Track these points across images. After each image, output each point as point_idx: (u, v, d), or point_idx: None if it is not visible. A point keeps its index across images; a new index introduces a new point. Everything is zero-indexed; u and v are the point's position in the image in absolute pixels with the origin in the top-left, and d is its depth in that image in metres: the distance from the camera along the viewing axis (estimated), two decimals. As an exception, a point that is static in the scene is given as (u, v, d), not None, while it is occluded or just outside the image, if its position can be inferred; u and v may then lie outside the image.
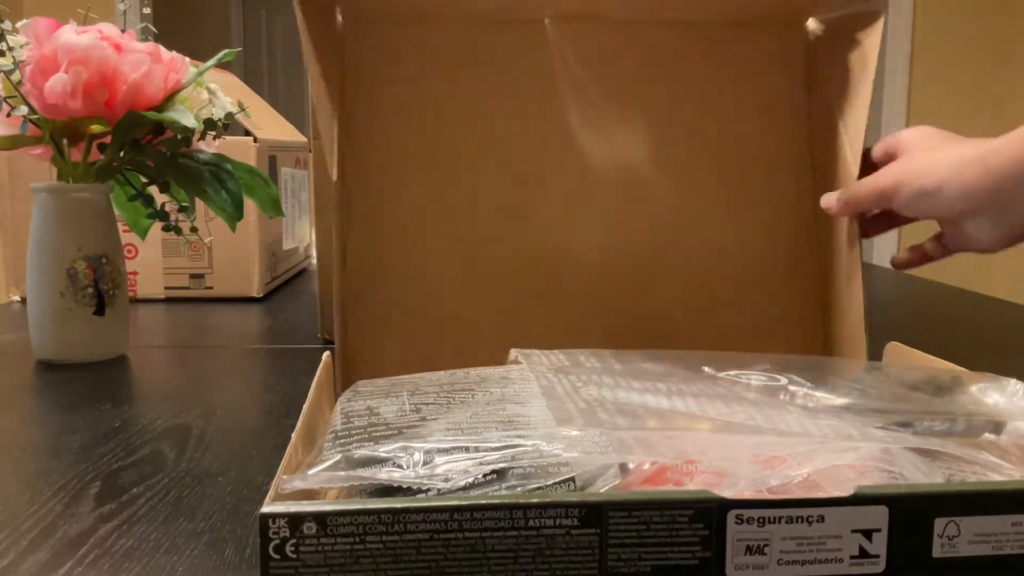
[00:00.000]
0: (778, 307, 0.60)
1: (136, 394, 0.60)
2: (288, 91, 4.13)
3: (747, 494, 0.30)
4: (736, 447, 0.33)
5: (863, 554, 0.29)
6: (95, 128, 0.65)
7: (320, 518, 0.28)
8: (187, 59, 0.68)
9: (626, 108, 0.58)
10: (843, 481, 0.31)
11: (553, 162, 0.57)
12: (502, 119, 0.57)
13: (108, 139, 0.67)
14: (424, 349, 0.56)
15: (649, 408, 0.37)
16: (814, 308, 0.60)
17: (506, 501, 0.28)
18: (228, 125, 0.71)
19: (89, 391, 0.60)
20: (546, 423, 0.35)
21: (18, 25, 0.63)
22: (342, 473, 0.32)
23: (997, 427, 0.39)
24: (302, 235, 1.20)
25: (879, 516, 0.29)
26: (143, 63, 0.64)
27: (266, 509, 0.28)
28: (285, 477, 0.31)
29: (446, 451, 0.32)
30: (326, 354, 0.51)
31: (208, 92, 0.71)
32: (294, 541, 0.28)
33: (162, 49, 0.66)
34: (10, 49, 0.63)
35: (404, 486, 0.30)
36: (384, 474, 0.31)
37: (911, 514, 0.30)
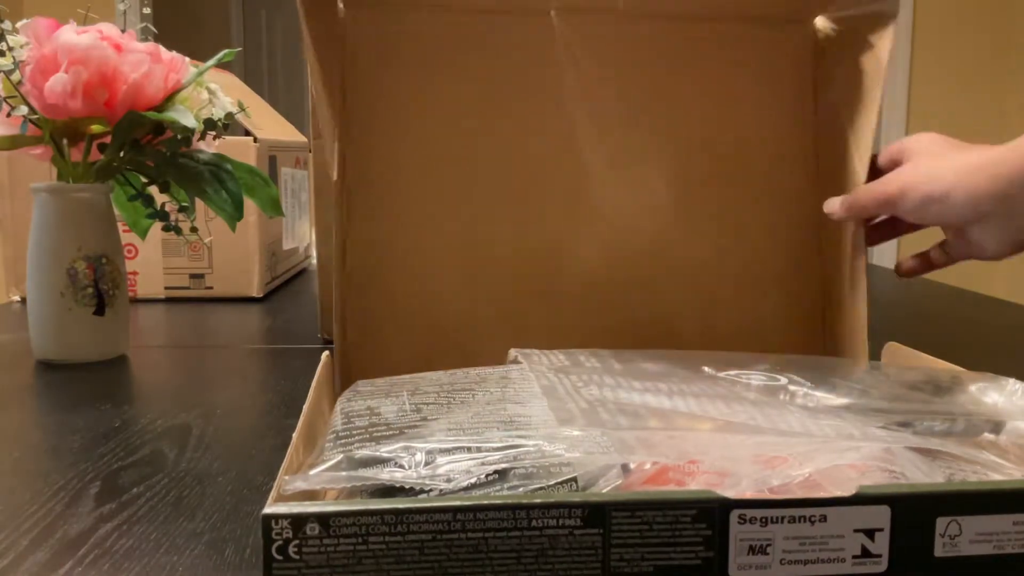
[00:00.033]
0: (779, 307, 0.59)
1: (136, 394, 0.60)
2: (288, 91, 4.13)
3: (749, 494, 0.30)
4: (737, 447, 0.33)
5: (865, 553, 0.30)
6: (95, 128, 0.65)
7: (323, 519, 0.28)
8: (187, 59, 0.68)
9: (630, 104, 0.57)
10: (845, 481, 0.31)
11: (555, 159, 0.57)
12: (505, 115, 0.56)
13: (108, 139, 0.67)
14: (424, 349, 0.56)
15: (650, 408, 0.37)
16: (815, 308, 0.60)
17: (509, 501, 0.28)
18: (228, 125, 0.71)
19: (89, 391, 0.60)
20: (547, 423, 0.35)
21: (18, 25, 0.63)
22: (344, 473, 0.31)
23: (996, 427, 0.39)
24: (302, 235, 1.20)
25: (881, 516, 0.29)
26: (143, 63, 0.64)
27: (269, 510, 0.28)
28: (287, 478, 0.31)
29: (448, 451, 0.32)
30: (326, 354, 0.51)
31: (208, 92, 0.71)
32: (297, 542, 0.28)
33: (162, 49, 0.66)
34: (10, 49, 0.63)
35: (406, 486, 0.30)
36: (386, 474, 0.31)
37: (913, 514, 0.30)
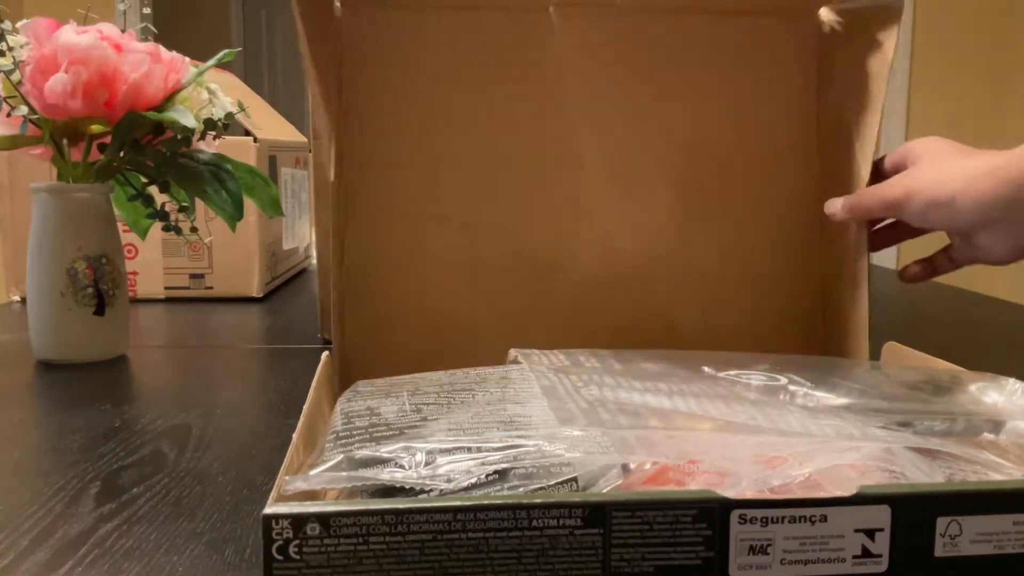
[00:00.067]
0: (779, 307, 0.59)
1: (136, 394, 0.60)
2: (288, 91, 4.13)
3: (749, 494, 0.30)
4: (738, 447, 0.33)
5: (866, 553, 0.30)
6: (95, 128, 0.65)
7: (324, 519, 0.28)
8: (187, 59, 0.68)
9: (629, 102, 0.57)
10: (845, 481, 0.31)
11: (554, 158, 0.57)
12: (503, 114, 0.56)
13: (108, 139, 0.67)
14: (424, 349, 0.56)
15: (651, 408, 0.37)
16: (816, 309, 0.60)
17: (510, 501, 0.28)
18: (228, 125, 0.71)
19: (89, 391, 0.60)
20: (548, 423, 0.35)
21: (18, 25, 0.63)
22: (344, 474, 0.32)
23: (996, 427, 0.39)
24: (302, 235, 1.20)
25: (881, 515, 0.29)
26: (143, 63, 0.64)
27: (269, 510, 0.28)
28: (287, 478, 0.31)
29: (448, 451, 0.32)
30: (325, 354, 0.51)
31: (208, 92, 0.71)
32: (297, 542, 0.28)
33: (162, 49, 0.66)
34: (10, 49, 0.63)
35: (407, 487, 0.30)
36: (386, 474, 0.31)
37: (913, 513, 0.30)
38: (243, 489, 0.43)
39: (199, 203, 0.87)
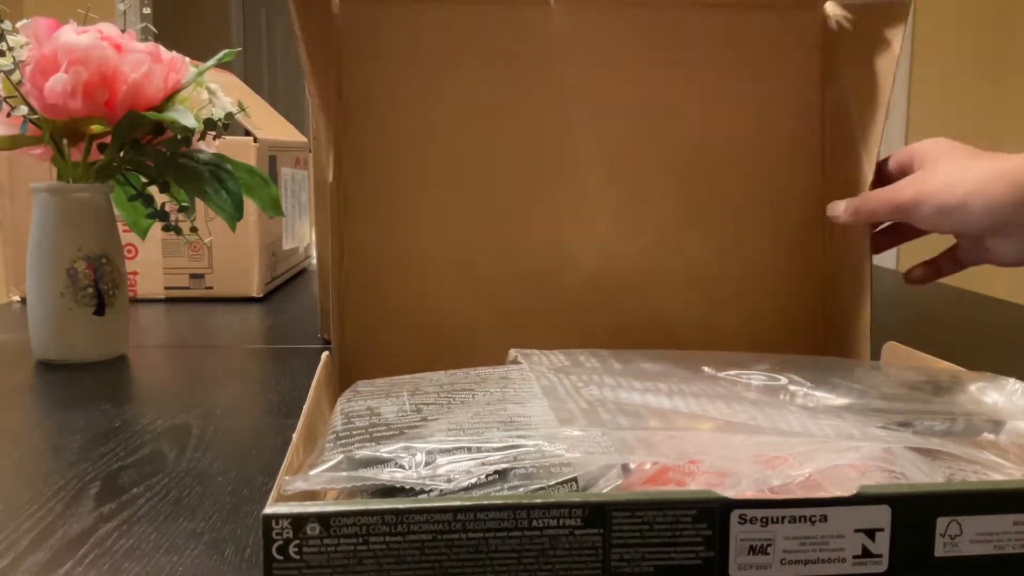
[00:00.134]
0: (780, 307, 0.59)
1: (136, 394, 0.60)
2: (288, 91, 4.13)
3: (749, 494, 0.30)
4: (738, 447, 0.33)
5: (866, 553, 0.30)
6: (95, 128, 0.65)
7: (324, 519, 0.28)
8: (187, 59, 0.68)
9: (630, 99, 0.57)
10: (845, 481, 0.31)
11: (554, 157, 0.57)
12: (503, 112, 0.56)
13: (108, 139, 0.67)
14: (424, 349, 0.56)
15: (651, 408, 0.37)
16: (817, 309, 0.60)
17: (510, 501, 0.28)
18: (228, 125, 0.71)
19: (89, 391, 0.60)
20: (548, 423, 0.35)
21: (18, 25, 0.63)
22: (344, 474, 0.32)
23: (996, 427, 0.39)
24: (302, 235, 1.20)
25: (882, 515, 0.29)
26: (143, 63, 0.64)
27: (269, 510, 0.28)
28: (287, 478, 0.31)
29: (448, 451, 0.32)
30: (325, 354, 0.51)
31: (208, 92, 0.71)
32: (297, 542, 0.28)
33: (162, 49, 0.66)
34: (10, 49, 0.63)
35: (407, 487, 0.30)
36: (386, 475, 0.31)
37: (913, 513, 0.30)
38: (243, 489, 0.43)
39: (199, 203, 0.87)
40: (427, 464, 0.31)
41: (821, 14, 0.58)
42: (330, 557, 0.28)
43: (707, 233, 0.58)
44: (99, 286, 0.67)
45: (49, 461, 0.46)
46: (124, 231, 0.80)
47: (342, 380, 0.53)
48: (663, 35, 0.57)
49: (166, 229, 0.70)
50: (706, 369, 0.45)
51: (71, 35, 0.62)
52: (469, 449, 0.32)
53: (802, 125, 0.59)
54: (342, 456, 0.32)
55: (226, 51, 0.69)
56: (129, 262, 0.97)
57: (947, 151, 0.51)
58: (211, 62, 0.69)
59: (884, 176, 0.55)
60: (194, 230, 0.72)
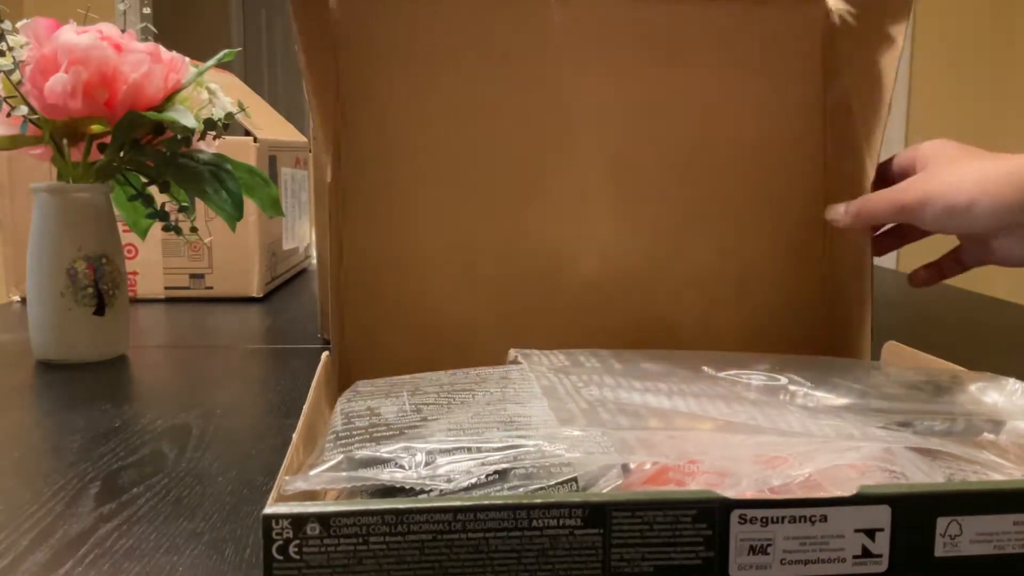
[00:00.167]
0: (780, 307, 0.59)
1: (136, 394, 0.60)
2: (288, 91, 4.13)
3: (749, 494, 0.30)
4: (738, 447, 0.33)
5: (866, 553, 0.30)
6: (95, 128, 0.65)
7: (324, 519, 0.28)
8: (187, 59, 0.68)
9: (631, 98, 0.56)
10: (845, 481, 0.31)
11: (555, 155, 0.56)
12: (503, 110, 0.56)
13: (108, 139, 0.67)
14: (424, 349, 0.56)
15: (651, 408, 0.37)
16: (817, 309, 0.60)
17: (510, 502, 0.28)
18: (228, 125, 0.71)
19: (89, 391, 0.60)
20: (548, 423, 0.35)
21: (18, 25, 0.63)
22: (344, 474, 0.32)
23: (996, 426, 0.39)
24: (302, 235, 1.20)
25: (882, 515, 0.29)
26: (143, 63, 0.64)
27: (269, 510, 0.28)
28: (287, 478, 0.31)
29: (448, 451, 0.32)
30: (325, 354, 0.51)
31: (208, 92, 0.71)
32: (297, 542, 0.28)
33: (162, 49, 0.66)
34: (10, 49, 0.63)
35: (407, 487, 0.30)
36: (386, 475, 0.31)
37: (913, 513, 0.30)
38: (243, 489, 0.43)
39: (199, 203, 0.87)
40: (427, 464, 0.31)
41: (823, 9, 0.57)
42: (330, 557, 0.28)
43: (707, 233, 0.58)
44: (99, 286, 0.67)
45: (49, 461, 0.46)
46: (124, 231, 0.80)
47: (342, 380, 0.53)
48: (663, 31, 0.56)
49: (166, 229, 0.70)
50: (706, 369, 0.45)
51: (71, 35, 0.62)
52: (469, 449, 0.32)
53: (803, 123, 0.58)
54: (342, 456, 0.32)
55: (226, 51, 0.69)
56: (129, 262, 0.97)
57: (951, 152, 0.51)
58: (211, 62, 0.69)
59: (886, 177, 0.54)
60: (194, 230, 0.72)
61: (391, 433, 0.35)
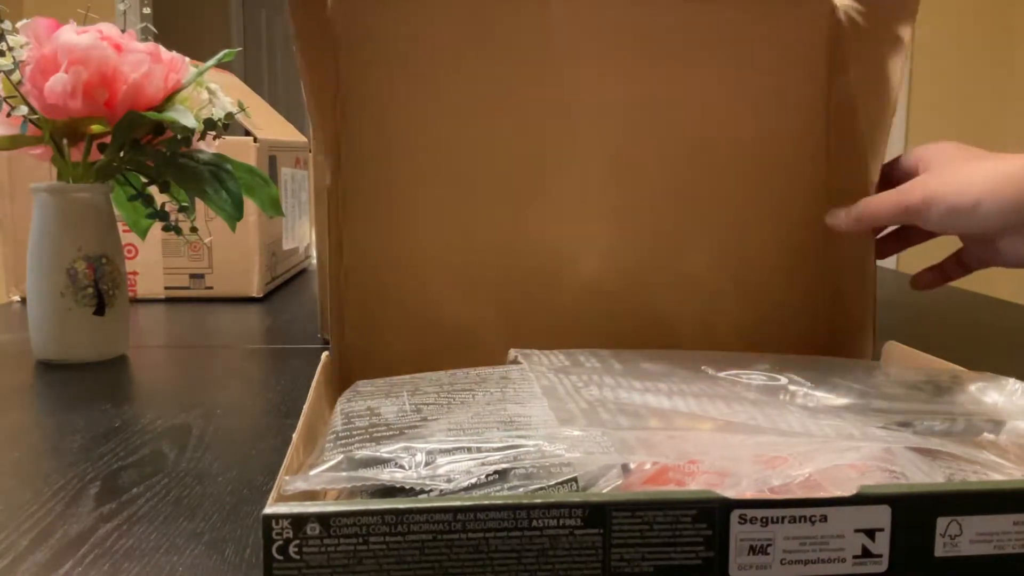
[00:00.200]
0: (781, 307, 0.59)
1: (136, 394, 0.60)
2: (288, 91, 4.13)
3: (749, 494, 0.30)
4: (738, 447, 0.33)
5: (866, 553, 0.30)
6: (95, 128, 0.65)
7: (324, 519, 0.28)
8: (187, 59, 0.68)
9: (632, 94, 0.56)
10: (845, 481, 0.31)
11: (555, 155, 0.56)
12: (502, 110, 0.56)
13: (108, 139, 0.67)
14: (424, 349, 0.56)
15: (651, 408, 0.37)
16: (818, 309, 0.59)
17: (510, 502, 0.28)
18: (228, 125, 0.71)
19: (89, 391, 0.60)
20: (548, 423, 0.35)
21: (18, 25, 0.63)
22: (344, 474, 0.32)
23: (996, 426, 0.39)
24: (302, 235, 1.20)
25: (882, 515, 0.29)
26: (143, 63, 0.64)
27: (269, 510, 0.28)
28: (287, 478, 0.31)
29: (448, 451, 0.32)
30: (325, 354, 0.51)
31: (208, 92, 0.71)
32: (297, 542, 0.28)
33: (162, 49, 0.66)
34: (10, 49, 0.63)
35: (407, 487, 0.30)
36: (386, 475, 0.31)
37: (913, 513, 0.30)
38: (243, 489, 0.43)
39: (199, 203, 0.87)
40: (427, 464, 0.31)
41: (829, 6, 0.57)
42: (330, 557, 0.28)
43: (708, 232, 0.58)
44: (99, 286, 0.67)
45: (49, 461, 0.46)
46: (124, 231, 0.80)
47: (342, 380, 0.53)
48: (664, 29, 0.56)
49: (166, 229, 0.70)
50: (706, 369, 0.45)
51: (71, 35, 0.62)
52: (469, 449, 0.32)
53: (806, 122, 0.58)
54: (342, 456, 0.32)
55: (226, 51, 0.69)
56: (129, 262, 0.97)
57: (954, 153, 0.51)
58: (211, 62, 0.69)
59: (888, 179, 0.54)
60: (194, 230, 0.72)
61: (391, 433, 0.35)
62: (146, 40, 0.68)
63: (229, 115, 0.71)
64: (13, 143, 0.66)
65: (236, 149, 0.90)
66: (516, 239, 0.57)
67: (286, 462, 0.33)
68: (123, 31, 0.66)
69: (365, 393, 0.41)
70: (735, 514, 0.29)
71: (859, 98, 0.55)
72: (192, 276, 0.98)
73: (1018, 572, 0.30)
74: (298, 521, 0.28)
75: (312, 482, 0.31)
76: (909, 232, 0.56)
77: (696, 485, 0.31)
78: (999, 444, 0.39)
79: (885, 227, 0.55)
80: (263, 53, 4.16)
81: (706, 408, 0.38)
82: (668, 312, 0.58)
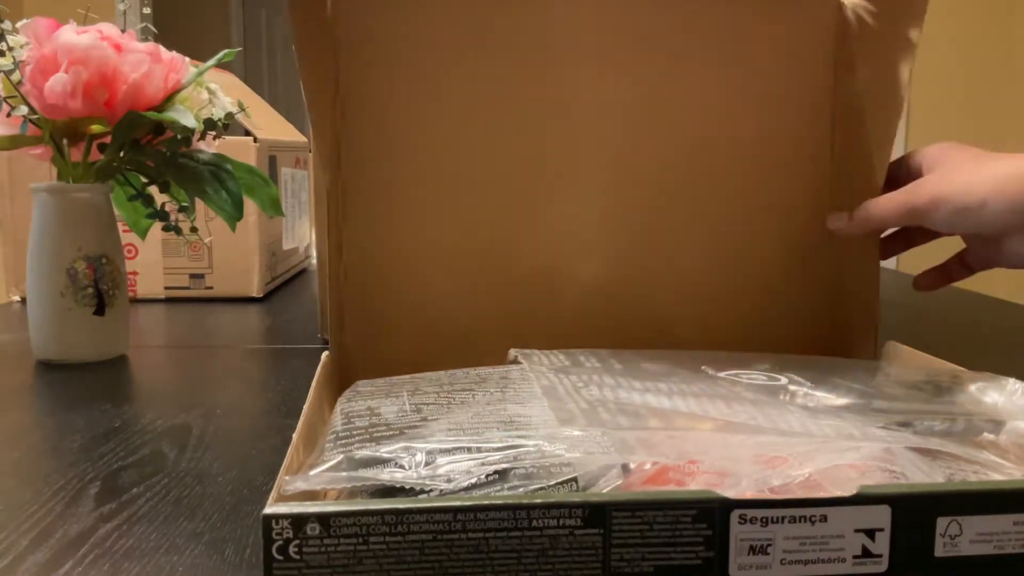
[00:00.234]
0: (783, 307, 0.59)
1: (136, 394, 0.60)
2: (288, 91, 4.13)
3: (749, 494, 0.30)
4: (738, 447, 0.33)
5: (866, 553, 0.30)
6: (95, 128, 0.65)
7: (324, 519, 0.28)
8: (187, 59, 0.68)
9: (634, 96, 0.56)
10: (845, 481, 0.31)
11: (556, 155, 0.56)
12: (503, 109, 0.55)
13: (108, 139, 0.67)
14: (424, 349, 0.56)
15: (651, 408, 0.37)
16: (821, 309, 0.59)
17: (509, 502, 0.28)
18: (228, 125, 0.71)
19: (89, 391, 0.60)
20: (548, 423, 0.35)
21: (18, 25, 0.63)
22: (344, 474, 0.32)
23: (996, 426, 0.39)
24: (302, 235, 1.20)
25: (882, 515, 0.29)
26: (143, 63, 0.64)
27: (269, 510, 0.28)
28: (287, 478, 0.31)
29: (448, 451, 0.32)
30: (325, 354, 0.51)
31: (208, 92, 0.71)
32: (297, 542, 0.28)
33: (162, 49, 0.66)
34: (10, 49, 0.63)
35: (407, 487, 0.30)
36: (386, 475, 0.31)
37: (913, 513, 0.30)
38: (243, 489, 0.43)
39: (199, 203, 0.87)
40: (427, 464, 0.31)
41: (836, 3, 0.56)
42: (330, 557, 0.28)
43: (709, 233, 0.58)
44: (99, 286, 0.67)
45: (49, 461, 0.46)
46: (124, 231, 0.80)
47: (342, 380, 0.52)
48: (665, 28, 0.55)
49: (166, 229, 0.70)
50: (706, 369, 0.45)
51: (71, 35, 0.62)
52: (469, 449, 0.32)
53: (810, 123, 0.57)
54: (342, 456, 0.32)
55: (226, 51, 0.69)
56: (129, 262, 0.97)
57: (959, 154, 0.51)
58: (211, 62, 0.69)
59: (891, 181, 0.54)
60: (194, 230, 0.72)
61: (391, 433, 0.35)
62: (146, 40, 0.68)
63: (229, 115, 0.71)
64: (13, 143, 0.66)
65: (236, 149, 0.90)
66: (516, 239, 0.56)
67: (286, 462, 0.33)
68: (123, 31, 0.66)
69: (365, 393, 0.41)
70: (735, 514, 0.29)
71: (866, 99, 0.55)
72: (192, 276, 0.98)
73: (1018, 572, 0.30)
74: (298, 521, 0.28)
75: (312, 482, 0.31)
76: (912, 233, 0.56)
77: (696, 485, 0.31)
78: (999, 444, 0.39)
79: (889, 228, 0.55)
80: (263, 53, 4.16)
81: (706, 408, 0.38)
82: (668, 312, 0.58)
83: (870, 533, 0.29)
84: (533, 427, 0.34)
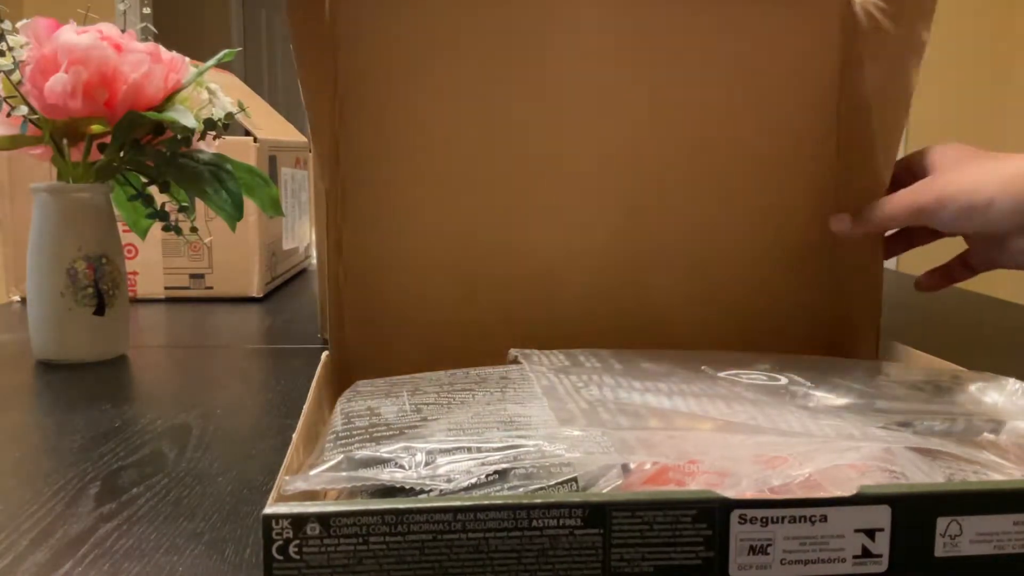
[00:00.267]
0: (784, 308, 0.59)
1: (136, 394, 0.60)
2: (288, 91, 4.13)
3: (749, 494, 0.30)
4: (738, 447, 0.33)
5: (866, 553, 0.30)
6: (95, 128, 0.65)
7: (324, 519, 0.28)
8: (187, 59, 0.68)
9: (635, 94, 0.56)
10: (845, 481, 0.31)
11: (556, 155, 0.56)
12: (503, 108, 0.55)
13: (108, 139, 0.67)
14: (423, 349, 0.56)
15: (651, 408, 0.37)
16: (823, 310, 0.59)
17: (510, 502, 0.28)
18: (228, 125, 0.71)
19: (89, 391, 0.60)
20: (548, 423, 0.35)
21: (18, 25, 0.63)
22: (344, 474, 0.32)
23: (996, 426, 0.39)
24: (302, 235, 1.20)
25: (882, 515, 0.29)
26: (143, 63, 0.64)
27: (269, 510, 0.28)
28: (287, 478, 0.31)
29: (448, 451, 0.32)
30: (325, 354, 0.51)
31: (208, 92, 0.71)
32: (297, 542, 0.28)
33: (162, 49, 0.66)
34: (10, 49, 0.63)
35: (407, 487, 0.30)
36: (386, 475, 0.31)
37: (913, 513, 0.30)
38: (243, 489, 0.43)
39: (199, 203, 0.87)
40: (427, 464, 0.31)
41: (842, 2, 0.56)
42: (330, 557, 0.28)
43: (710, 232, 0.58)
44: (99, 286, 0.67)
45: (49, 461, 0.46)
46: (124, 231, 0.80)
47: (342, 380, 0.52)
48: (666, 27, 0.55)
49: (166, 229, 0.70)
50: (706, 369, 0.45)
51: (71, 35, 0.62)
52: (469, 449, 0.32)
53: (815, 120, 0.57)
54: (342, 456, 0.32)
55: (226, 51, 0.69)
56: (129, 262, 0.97)
57: (963, 154, 0.51)
58: (211, 62, 0.69)
59: (896, 181, 0.54)
60: (194, 230, 0.72)
61: (391, 433, 0.35)
62: (146, 40, 0.68)
63: (229, 115, 0.71)
64: (13, 143, 0.66)
65: (236, 149, 0.90)
66: (516, 238, 0.56)
67: (286, 462, 0.33)
68: (123, 31, 0.66)
69: (365, 393, 0.41)
70: (735, 514, 0.29)
71: (874, 97, 0.54)
72: (192, 276, 0.98)
73: (1018, 572, 0.30)
74: (298, 521, 0.28)
75: (312, 482, 0.31)
76: (914, 233, 0.56)
77: (696, 485, 0.31)
78: (999, 444, 0.39)
79: (892, 228, 0.54)
80: (263, 53, 4.16)
81: (706, 408, 0.38)
82: (668, 312, 0.58)
83: (870, 533, 0.29)
84: (533, 427, 0.34)
